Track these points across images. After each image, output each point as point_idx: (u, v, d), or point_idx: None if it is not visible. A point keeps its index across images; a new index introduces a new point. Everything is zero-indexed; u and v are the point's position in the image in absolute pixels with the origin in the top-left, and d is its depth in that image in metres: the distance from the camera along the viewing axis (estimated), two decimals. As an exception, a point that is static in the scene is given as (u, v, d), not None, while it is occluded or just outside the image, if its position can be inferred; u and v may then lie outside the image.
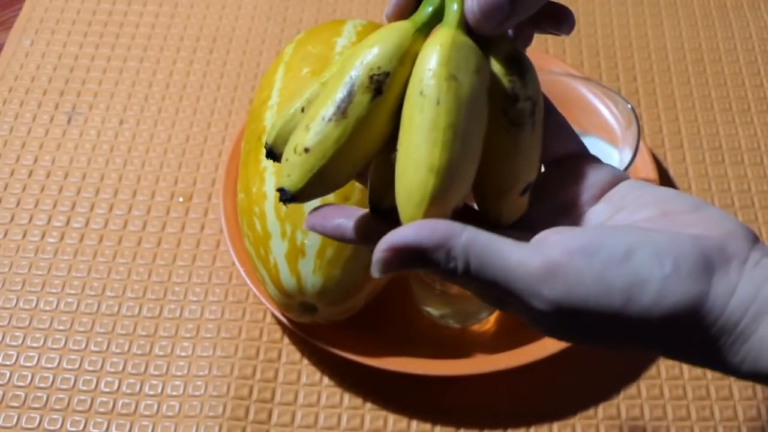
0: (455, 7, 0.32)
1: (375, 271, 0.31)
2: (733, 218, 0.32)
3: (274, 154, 0.34)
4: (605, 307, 0.29)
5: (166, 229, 0.64)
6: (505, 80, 0.33)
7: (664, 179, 0.67)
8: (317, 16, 0.79)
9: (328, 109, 0.31)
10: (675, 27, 0.78)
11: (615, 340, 0.31)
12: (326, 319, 0.55)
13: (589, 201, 0.34)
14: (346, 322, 0.57)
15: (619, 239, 0.30)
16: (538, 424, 0.56)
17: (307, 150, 0.31)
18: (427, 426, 0.55)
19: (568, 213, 0.34)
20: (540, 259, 0.30)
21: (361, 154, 0.32)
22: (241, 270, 0.58)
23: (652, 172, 0.64)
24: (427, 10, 0.33)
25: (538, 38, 0.77)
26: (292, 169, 0.31)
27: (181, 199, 0.66)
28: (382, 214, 0.34)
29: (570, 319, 0.30)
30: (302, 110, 0.34)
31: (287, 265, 0.52)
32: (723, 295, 0.29)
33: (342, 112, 0.31)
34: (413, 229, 0.30)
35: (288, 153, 0.32)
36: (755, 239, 0.31)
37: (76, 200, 0.66)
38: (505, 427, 0.56)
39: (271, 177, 0.54)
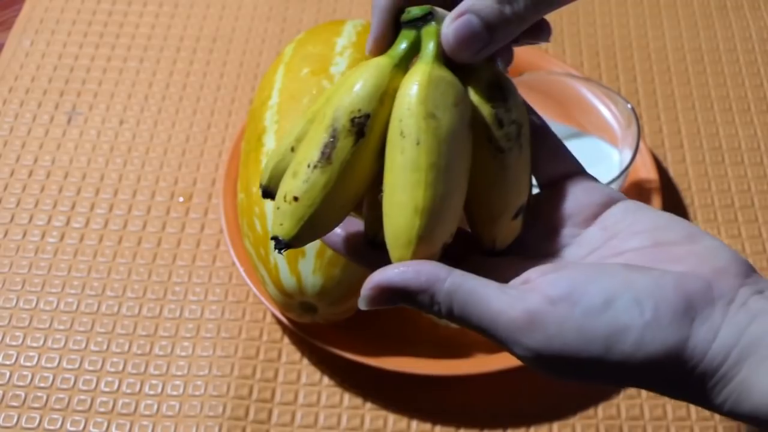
0: (431, 41, 0.32)
1: (362, 305, 0.32)
2: (728, 250, 0.32)
3: (269, 193, 0.34)
4: (586, 355, 0.30)
5: (166, 229, 0.64)
6: (487, 107, 0.33)
7: (664, 179, 0.67)
8: (317, 16, 0.79)
9: (313, 155, 0.31)
10: (675, 27, 0.78)
11: (599, 381, 0.32)
12: (326, 319, 0.55)
13: (583, 223, 0.34)
14: (346, 322, 0.57)
15: (600, 285, 0.30)
16: (538, 424, 0.56)
17: (296, 198, 0.31)
18: (427, 426, 0.55)
19: (562, 235, 0.35)
20: (521, 307, 0.30)
21: (350, 197, 0.32)
22: (241, 270, 0.58)
23: (652, 172, 0.64)
24: (401, 45, 0.33)
25: (538, 38, 0.77)
26: (284, 218, 0.32)
27: (181, 199, 0.66)
28: (377, 247, 0.34)
29: (552, 363, 0.31)
30: (292, 149, 0.34)
31: (287, 265, 0.52)
32: (704, 340, 0.29)
33: (327, 158, 0.31)
34: (399, 270, 0.31)
35: (279, 201, 0.32)
36: (748, 272, 0.31)
37: (76, 200, 0.66)
38: (505, 427, 0.56)
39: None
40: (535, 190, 0.37)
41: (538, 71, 0.64)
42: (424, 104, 0.31)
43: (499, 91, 0.33)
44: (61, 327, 0.59)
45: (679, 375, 0.30)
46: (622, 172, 0.54)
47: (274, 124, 0.56)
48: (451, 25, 0.32)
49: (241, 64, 0.75)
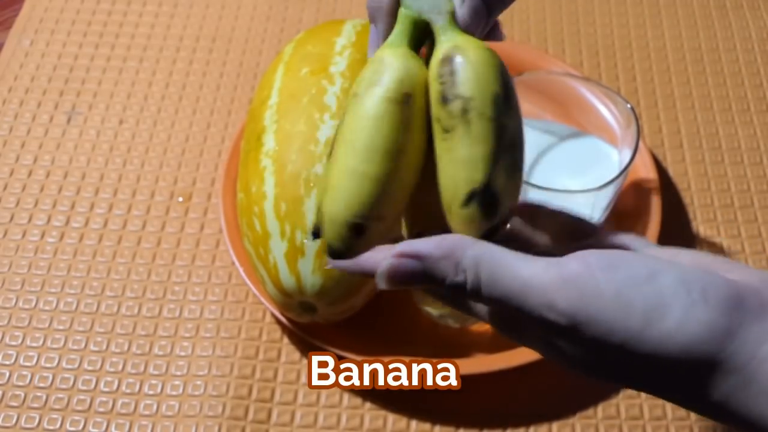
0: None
1: (381, 282, 0.30)
2: None
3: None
4: (622, 328, 0.27)
5: (165, 229, 0.64)
6: (435, 85, 0.31)
7: (664, 179, 0.67)
8: (317, 16, 0.79)
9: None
10: (674, 27, 0.78)
11: (627, 373, 0.29)
12: (326, 318, 0.55)
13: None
14: (345, 321, 0.57)
15: (644, 262, 0.28)
16: (537, 423, 0.56)
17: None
18: (427, 426, 0.55)
19: None
20: (556, 270, 0.28)
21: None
22: (241, 270, 0.58)
23: (651, 172, 0.64)
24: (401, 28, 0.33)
25: (538, 37, 0.77)
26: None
27: (180, 199, 0.66)
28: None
29: (584, 339, 0.28)
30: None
31: (287, 264, 0.52)
32: (754, 341, 0.26)
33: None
34: (421, 241, 0.30)
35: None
36: None
37: (75, 200, 0.66)
38: (505, 427, 0.56)
39: (270, 177, 0.54)
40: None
41: (538, 71, 0.64)
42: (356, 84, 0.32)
43: (449, 64, 0.30)
44: (61, 327, 0.59)
45: (714, 374, 0.27)
46: (621, 172, 0.54)
47: (274, 123, 0.56)
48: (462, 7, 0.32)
49: (241, 64, 0.75)
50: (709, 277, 0.28)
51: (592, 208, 0.56)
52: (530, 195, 0.55)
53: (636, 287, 0.27)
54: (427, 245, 0.30)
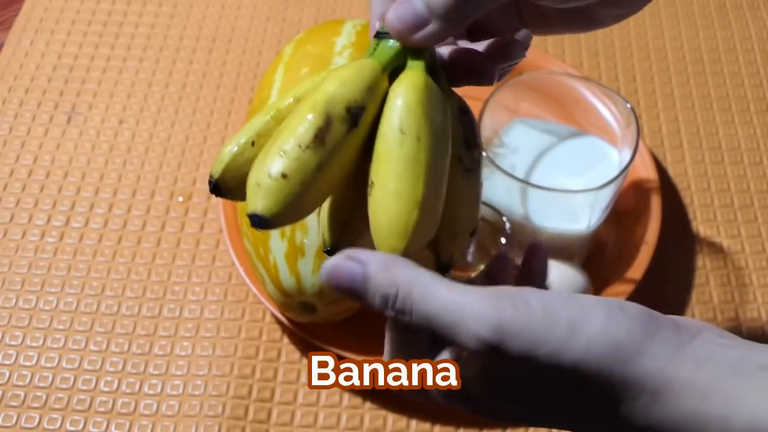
0: (422, 56, 0.33)
1: (322, 275, 0.31)
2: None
3: (219, 189, 0.34)
4: (548, 338, 0.28)
5: (165, 229, 0.64)
6: (459, 128, 0.34)
7: (664, 179, 0.67)
8: (317, 16, 0.79)
9: (305, 136, 0.31)
10: (674, 27, 0.78)
11: (554, 398, 0.30)
12: (326, 318, 0.55)
13: None
14: (345, 321, 0.57)
15: (566, 288, 0.31)
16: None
17: (284, 176, 0.31)
18: (427, 425, 0.55)
19: None
20: (489, 290, 0.29)
21: (333, 184, 0.32)
22: (241, 269, 0.58)
23: (651, 172, 0.64)
24: (387, 53, 0.33)
25: (537, 38, 0.77)
26: (267, 195, 0.31)
27: (180, 199, 0.66)
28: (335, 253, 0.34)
29: (510, 354, 0.28)
30: (252, 144, 0.33)
31: (287, 264, 0.52)
32: (670, 347, 0.28)
33: (320, 140, 0.31)
34: (367, 252, 0.31)
35: (261, 178, 0.31)
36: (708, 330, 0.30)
37: (75, 200, 0.66)
38: (505, 427, 0.56)
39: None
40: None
41: (538, 71, 0.64)
42: (423, 105, 0.31)
43: (468, 116, 0.35)
44: (61, 327, 0.59)
45: (635, 385, 0.28)
46: (621, 172, 0.54)
47: (274, 123, 0.56)
48: (392, 10, 0.32)
49: (241, 64, 0.75)
50: (627, 303, 0.30)
51: (592, 207, 0.56)
52: (530, 195, 0.55)
53: (561, 303, 0.29)
54: (372, 256, 0.31)
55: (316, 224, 0.52)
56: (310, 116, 0.31)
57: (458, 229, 0.35)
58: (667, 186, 0.67)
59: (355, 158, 0.33)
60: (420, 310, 0.30)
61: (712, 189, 0.67)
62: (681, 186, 0.67)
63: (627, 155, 0.56)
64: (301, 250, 0.52)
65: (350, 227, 0.34)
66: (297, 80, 0.57)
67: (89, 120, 0.71)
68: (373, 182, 0.32)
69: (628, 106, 0.57)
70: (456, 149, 0.34)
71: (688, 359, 0.28)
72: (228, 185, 0.34)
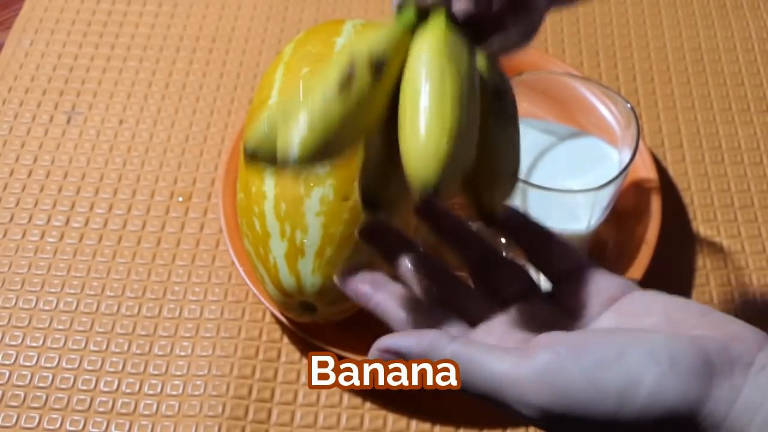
0: (441, 14, 0.34)
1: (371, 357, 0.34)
2: (741, 321, 0.31)
3: (256, 156, 0.34)
4: (599, 411, 0.28)
5: (165, 229, 0.64)
6: (491, 78, 0.36)
7: (664, 179, 0.67)
8: (317, 16, 0.79)
9: (331, 84, 0.32)
10: (674, 27, 0.78)
11: None
12: (326, 318, 0.55)
13: (597, 309, 0.34)
14: (345, 321, 0.57)
15: (611, 340, 0.29)
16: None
17: (310, 117, 0.32)
18: (427, 425, 0.55)
19: (577, 321, 0.34)
20: (526, 365, 0.29)
21: (360, 130, 0.34)
22: (241, 269, 0.58)
23: (651, 172, 0.64)
24: (408, 15, 0.35)
25: (537, 37, 0.77)
26: (297, 133, 0.32)
27: (180, 199, 0.66)
28: (377, 208, 0.35)
29: (564, 423, 0.29)
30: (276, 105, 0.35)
31: (287, 264, 0.52)
32: (726, 399, 0.28)
33: (346, 87, 0.32)
34: (403, 337, 0.33)
35: (287, 117, 0.32)
36: (763, 341, 0.30)
37: (75, 200, 0.66)
38: (505, 426, 0.56)
39: (270, 176, 0.54)
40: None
41: (538, 71, 0.64)
42: (445, 50, 0.33)
43: (498, 66, 0.36)
44: (61, 327, 0.59)
45: None
46: (621, 172, 0.54)
47: (274, 123, 0.56)
48: None
49: (241, 64, 0.75)
50: (676, 345, 0.29)
51: (592, 207, 0.56)
52: (530, 195, 0.55)
53: (606, 369, 0.28)
54: (407, 342, 0.32)
55: (316, 224, 0.52)
56: (335, 68, 0.33)
57: (497, 174, 0.35)
58: (667, 186, 0.67)
59: (384, 110, 0.34)
60: (473, 391, 0.31)
61: (712, 189, 0.67)
62: (681, 186, 0.67)
63: (627, 155, 0.56)
64: (301, 250, 0.52)
65: (386, 176, 0.35)
66: (297, 80, 0.57)
67: (89, 120, 0.71)
68: (402, 124, 0.32)
69: (629, 106, 0.57)
70: (489, 97, 0.35)
71: (744, 410, 0.28)
72: (268, 153, 0.33)
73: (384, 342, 0.33)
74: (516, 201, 0.56)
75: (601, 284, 0.35)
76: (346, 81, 0.32)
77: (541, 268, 0.38)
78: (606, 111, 0.60)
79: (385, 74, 0.33)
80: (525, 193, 0.55)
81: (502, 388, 0.30)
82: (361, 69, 0.32)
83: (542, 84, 0.61)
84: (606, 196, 0.56)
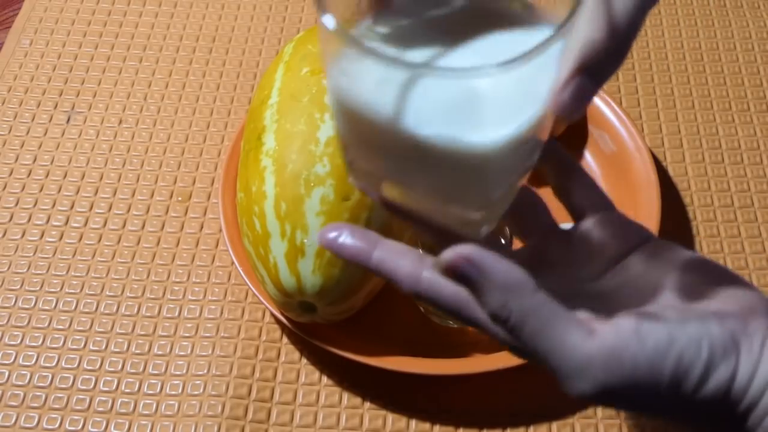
0: None
1: (436, 266, 0.32)
2: (754, 289, 0.33)
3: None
4: (655, 391, 0.31)
5: (165, 229, 0.64)
6: None
7: (664, 179, 0.67)
8: (317, 16, 0.79)
9: None
10: (674, 27, 0.78)
11: (651, 413, 0.32)
12: (325, 318, 0.55)
13: (621, 253, 0.36)
14: (345, 321, 0.57)
15: (665, 326, 0.31)
16: (537, 423, 0.56)
17: None
18: (426, 425, 0.55)
19: (600, 262, 0.36)
20: (595, 344, 0.31)
21: None
22: (240, 269, 0.58)
23: (651, 172, 0.64)
24: None
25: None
26: None
27: (180, 199, 0.66)
28: None
29: (621, 397, 0.31)
30: None
31: (287, 264, 0.52)
32: (748, 374, 0.31)
33: None
34: (491, 257, 0.31)
35: None
36: None
37: (75, 200, 0.66)
38: (505, 426, 0.56)
39: (270, 176, 0.54)
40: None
41: None
42: None
43: None
44: (60, 326, 0.59)
45: (730, 409, 0.31)
46: (560, 30, 0.29)
47: (274, 123, 0.56)
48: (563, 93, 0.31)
49: (241, 64, 0.75)
50: (710, 330, 0.31)
51: (515, 102, 0.31)
52: (416, 88, 0.30)
53: (663, 354, 0.31)
54: (496, 266, 0.31)
55: (316, 224, 0.52)
56: None
57: None
58: (667, 186, 0.67)
59: None
60: (530, 345, 0.31)
61: (712, 189, 0.67)
62: (681, 186, 0.67)
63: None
64: (301, 250, 0.52)
65: None
66: (297, 80, 0.57)
67: (89, 120, 0.71)
68: None
69: None
70: None
71: (761, 383, 0.31)
72: None
73: (471, 251, 0.31)
74: (389, 99, 0.31)
75: (621, 229, 0.36)
76: None
77: (564, 201, 0.38)
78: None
79: None
80: (408, 86, 0.30)
81: (565, 357, 0.31)
82: None
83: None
84: (545, 75, 0.31)
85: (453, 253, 0.31)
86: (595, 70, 0.31)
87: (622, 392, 0.31)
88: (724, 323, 0.31)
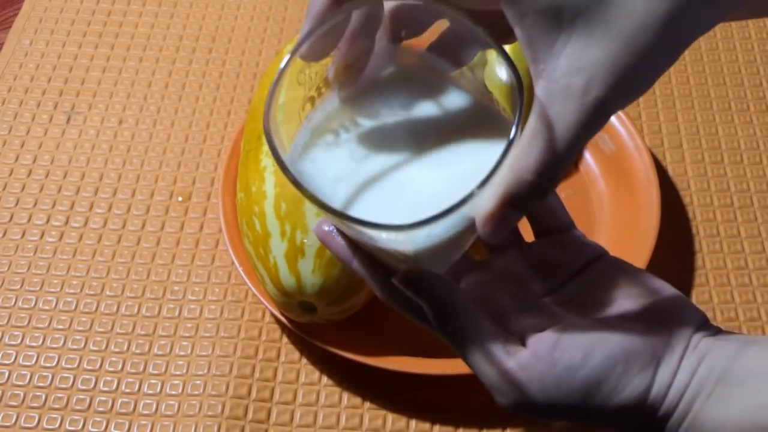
0: None
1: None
2: (687, 302, 0.36)
3: None
4: (566, 404, 0.34)
5: (165, 229, 0.64)
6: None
7: (663, 179, 0.67)
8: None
9: None
10: (674, 27, 0.78)
11: (577, 421, 0.36)
12: (325, 318, 0.55)
13: (571, 271, 0.39)
14: (345, 321, 0.57)
15: (580, 341, 0.34)
16: (537, 423, 0.56)
17: None
18: (426, 425, 0.55)
19: (555, 277, 0.39)
20: (512, 362, 0.34)
21: None
22: (240, 269, 0.58)
23: (651, 172, 0.64)
24: None
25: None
26: None
27: (180, 199, 0.66)
28: None
29: (535, 411, 0.34)
30: None
31: (287, 264, 0.52)
32: (664, 384, 0.33)
33: None
34: (436, 282, 0.35)
35: None
36: (704, 322, 0.35)
37: (75, 200, 0.66)
38: (504, 426, 0.56)
39: (270, 176, 0.54)
40: None
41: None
42: None
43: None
44: (60, 326, 0.59)
45: (647, 417, 0.34)
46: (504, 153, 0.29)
47: (274, 123, 0.56)
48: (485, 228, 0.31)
49: (241, 64, 0.75)
50: (630, 345, 0.34)
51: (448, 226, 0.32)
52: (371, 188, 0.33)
53: (574, 373, 0.33)
54: (437, 290, 0.35)
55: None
56: None
57: None
58: (666, 186, 0.67)
59: None
60: (466, 359, 0.35)
61: (712, 189, 0.67)
62: (680, 186, 0.67)
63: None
64: (301, 250, 0.52)
65: None
66: (297, 80, 0.57)
67: (89, 120, 0.71)
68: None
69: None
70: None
71: (676, 391, 0.33)
72: None
73: (415, 277, 0.35)
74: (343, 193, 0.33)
75: (576, 247, 0.39)
76: None
77: (530, 221, 0.41)
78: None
79: None
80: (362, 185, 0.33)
81: (487, 373, 0.34)
82: None
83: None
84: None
85: (397, 278, 0.35)
86: (523, 204, 0.30)
87: (534, 407, 0.34)
88: (648, 337, 0.34)
